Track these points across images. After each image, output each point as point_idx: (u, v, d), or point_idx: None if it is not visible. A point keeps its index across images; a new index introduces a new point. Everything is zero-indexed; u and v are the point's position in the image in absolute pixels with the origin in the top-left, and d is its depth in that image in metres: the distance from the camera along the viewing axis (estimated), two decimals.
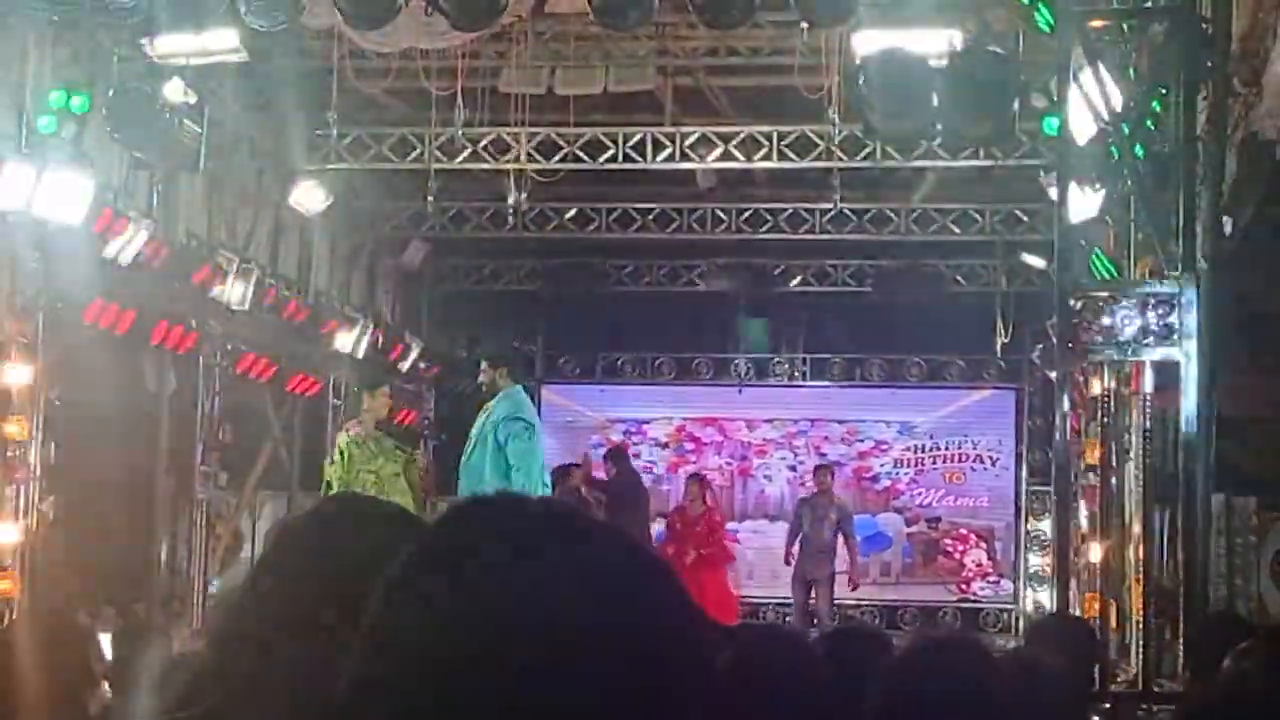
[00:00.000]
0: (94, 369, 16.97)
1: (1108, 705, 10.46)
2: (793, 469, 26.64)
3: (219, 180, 19.24)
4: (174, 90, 14.88)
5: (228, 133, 18.63)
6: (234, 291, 18.69)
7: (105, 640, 9.13)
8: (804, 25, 14.63)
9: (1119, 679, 13.00)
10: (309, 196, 19.62)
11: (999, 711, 3.91)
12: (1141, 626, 12.68)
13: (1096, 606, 14.93)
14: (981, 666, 4.03)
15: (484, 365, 14.95)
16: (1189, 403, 11.55)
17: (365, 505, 3.01)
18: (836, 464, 26.50)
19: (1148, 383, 12.25)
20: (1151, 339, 11.71)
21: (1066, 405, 12.39)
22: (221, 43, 14.65)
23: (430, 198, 19.91)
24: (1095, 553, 15.73)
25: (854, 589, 22.37)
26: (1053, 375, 13.79)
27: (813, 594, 21.60)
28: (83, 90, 15.14)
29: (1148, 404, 12.51)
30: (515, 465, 14.19)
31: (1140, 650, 12.52)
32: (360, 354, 22.51)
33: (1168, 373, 12.08)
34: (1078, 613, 17.11)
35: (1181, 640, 11.06)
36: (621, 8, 13.91)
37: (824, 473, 22.81)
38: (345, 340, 22.06)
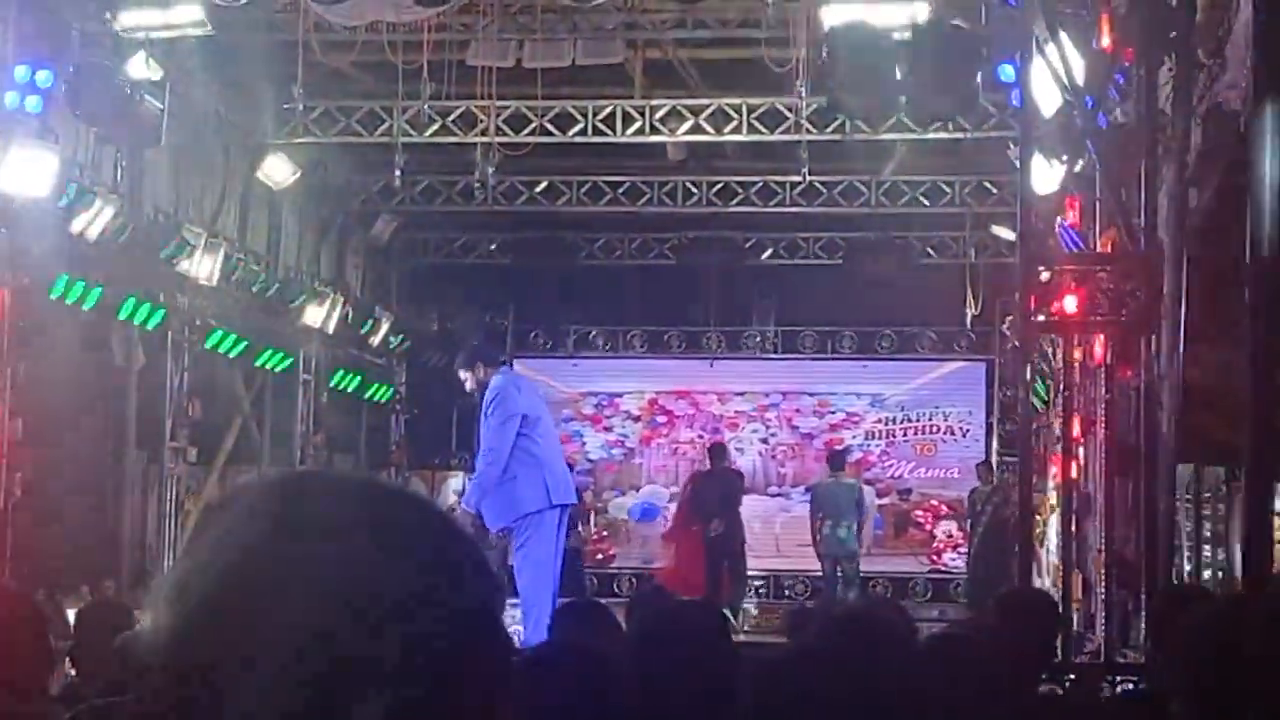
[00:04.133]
0: (61, 345, 16.92)
1: (1071, 677, 10.48)
2: (764, 441, 26.68)
3: (186, 155, 19.15)
4: (136, 66, 14.82)
5: (194, 107, 18.54)
6: (202, 266, 18.63)
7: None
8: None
9: (1086, 650, 13.06)
10: (277, 170, 19.55)
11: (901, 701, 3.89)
12: (1105, 599, 12.72)
13: (1061, 577, 14.95)
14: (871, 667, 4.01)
15: (463, 374, 14.84)
16: (1152, 374, 11.57)
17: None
18: (808, 436, 26.61)
19: (1111, 355, 12.26)
20: (1116, 311, 11.72)
21: (1030, 375, 12.39)
22: (185, 16, 14.62)
23: (398, 171, 19.84)
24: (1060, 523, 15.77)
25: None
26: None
27: (839, 568, 21.86)
28: (48, 65, 15.06)
29: (1112, 376, 12.53)
30: (485, 452, 14.22)
31: (1104, 622, 12.57)
32: (330, 329, 22.47)
33: (1131, 344, 12.09)
34: (1046, 583, 17.20)
35: (1144, 612, 11.11)
36: None
37: (836, 457, 23.10)
38: (315, 315, 22.01)
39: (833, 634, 4.19)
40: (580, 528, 21.40)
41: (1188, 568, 19.18)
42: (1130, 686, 9.84)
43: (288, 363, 22.42)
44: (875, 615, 4.87)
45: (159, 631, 1.52)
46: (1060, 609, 11.29)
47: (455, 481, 25.46)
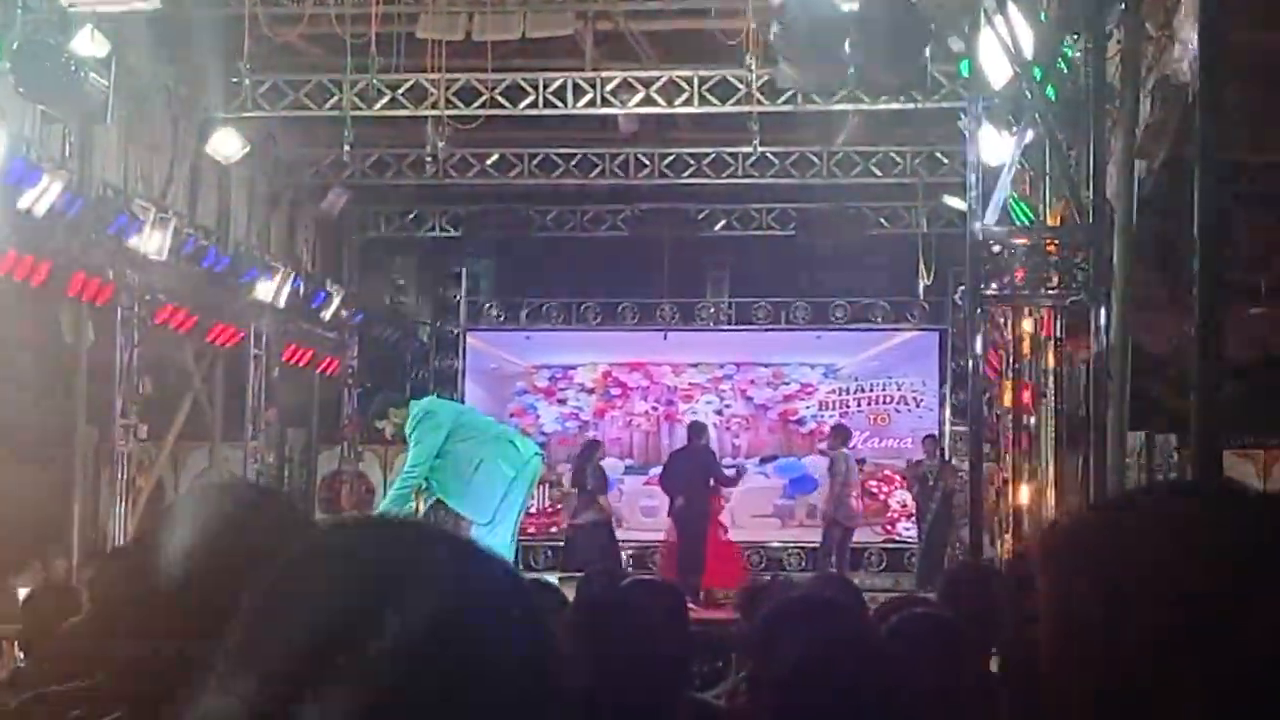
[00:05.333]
0: (9, 322, 16.82)
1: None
2: (719, 413, 26.69)
3: (134, 130, 19.02)
4: (82, 41, 14.70)
5: (142, 82, 18.42)
6: (151, 242, 18.52)
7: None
8: None
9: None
10: (226, 144, 19.43)
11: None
12: None
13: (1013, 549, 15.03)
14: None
15: (379, 425, 15.32)
16: (1099, 345, 11.62)
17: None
18: (763, 407, 26.67)
19: (1060, 327, 12.31)
20: (1065, 282, 11.77)
21: (980, 348, 12.43)
22: None
23: (348, 145, 19.75)
24: (1013, 495, 15.84)
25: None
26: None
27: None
28: None
29: (1061, 347, 12.58)
30: (405, 466, 14.75)
31: None
32: (281, 303, 22.39)
33: (1081, 315, 12.14)
34: (997, 553, 17.25)
35: None
36: None
37: (840, 433, 23.41)
38: (265, 289, 21.93)
39: (784, 620, 4.19)
40: (603, 499, 21.55)
41: None
42: None
43: (238, 338, 22.32)
44: (831, 601, 4.86)
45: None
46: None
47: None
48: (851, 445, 23.70)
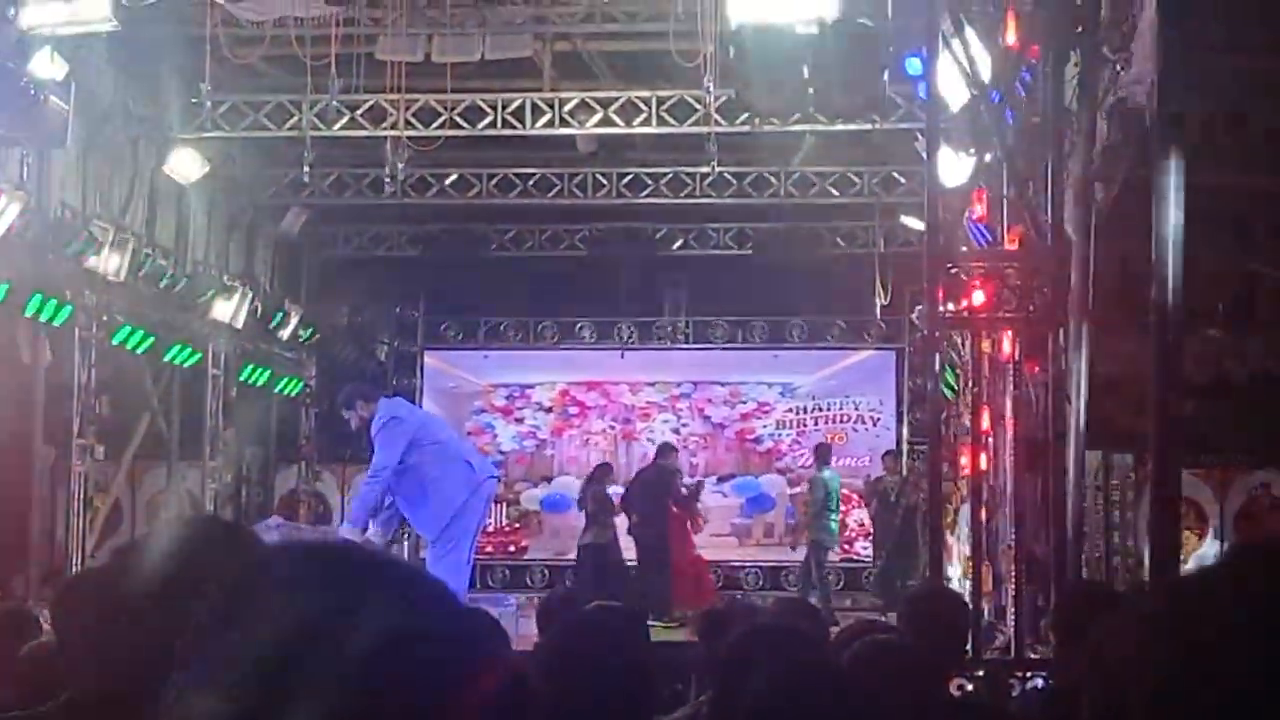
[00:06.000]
0: None
1: (980, 673, 10.58)
2: (676, 431, 26.71)
3: (93, 150, 18.98)
4: (41, 63, 14.64)
5: (101, 102, 18.38)
6: (109, 262, 18.48)
7: None
8: None
9: (996, 644, 13.18)
10: (185, 165, 19.40)
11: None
12: (1014, 594, 12.83)
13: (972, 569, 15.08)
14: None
15: (345, 414, 15.25)
16: (1059, 367, 11.69)
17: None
18: (720, 426, 26.71)
19: (1019, 349, 12.38)
20: (1023, 306, 11.83)
21: (938, 369, 12.49)
22: (92, 12, 14.42)
23: (308, 165, 19.74)
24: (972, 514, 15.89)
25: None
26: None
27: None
28: None
29: (1020, 370, 12.65)
30: (370, 471, 14.73)
31: (1014, 619, 12.67)
32: (239, 323, 22.35)
33: (1039, 338, 12.21)
34: (956, 572, 17.32)
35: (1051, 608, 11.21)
36: None
37: (823, 450, 23.54)
38: (224, 309, 21.88)
39: (749, 648, 4.22)
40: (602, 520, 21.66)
41: (1097, 555, 19.40)
42: (1040, 683, 9.93)
43: (196, 358, 22.27)
44: (794, 629, 4.90)
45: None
46: (970, 604, 11.38)
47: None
48: (808, 464, 23.85)
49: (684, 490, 22.33)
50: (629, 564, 21.62)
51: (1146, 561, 16.70)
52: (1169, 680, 1.61)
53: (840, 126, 18.73)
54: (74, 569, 18.67)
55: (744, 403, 26.98)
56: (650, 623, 18.55)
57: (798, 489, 25.81)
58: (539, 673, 5.04)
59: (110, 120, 19.13)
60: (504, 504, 25.72)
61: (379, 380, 14.99)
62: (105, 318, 19.40)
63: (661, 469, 22.08)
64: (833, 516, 22.34)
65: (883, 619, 10.85)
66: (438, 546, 14.48)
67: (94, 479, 19.97)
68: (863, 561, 24.92)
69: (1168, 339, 8.47)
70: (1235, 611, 1.61)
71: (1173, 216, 8.43)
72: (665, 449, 22.73)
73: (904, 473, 23.48)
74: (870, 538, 24.35)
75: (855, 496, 25.36)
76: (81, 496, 19.23)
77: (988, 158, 12.64)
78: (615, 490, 22.36)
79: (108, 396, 20.22)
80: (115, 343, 19.69)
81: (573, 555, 24.18)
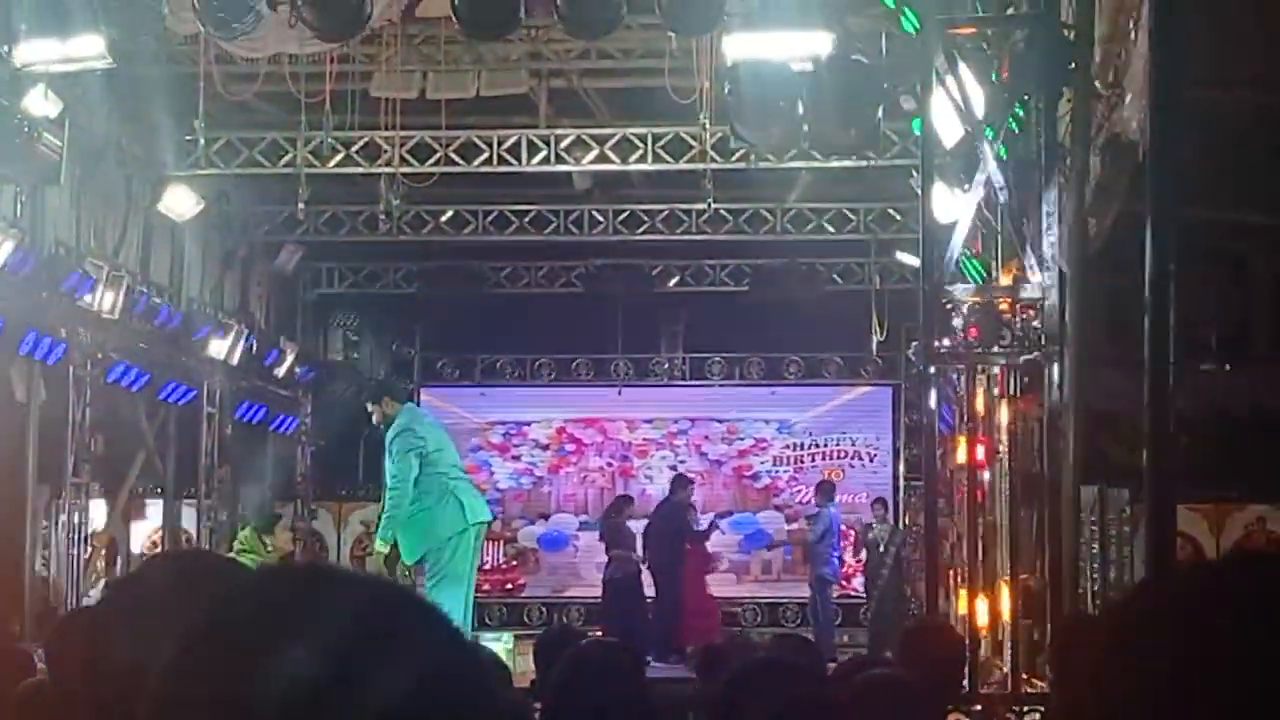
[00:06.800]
0: None
1: (978, 708, 10.55)
2: (674, 468, 26.65)
3: (87, 187, 18.96)
4: (35, 101, 14.64)
5: (95, 139, 18.38)
6: (104, 299, 18.47)
7: None
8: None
9: (992, 678, 13.12)
10: (179, 202, 19.40)
11: None
12: (1011, 628, 12.80)
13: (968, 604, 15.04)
14: None
15: (370, 408, 15.31)
16: (1054, 402, 11.68)
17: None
18: (717, 463, 26.69)
19: (1014, 384, 12.36)
20: (1018, 342, 11.83)
21: (934, 405, 12.47)
22: (86, 50, 14.41)
23: (302, 203, 19.72)
24: (967, 551, 15.86)
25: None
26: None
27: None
28: None
29: (1016, 404, 12.64)
30: (390, 483, 14.59)
31: (1011, 652, 12.63)
32: (235, 360, 22.33)
33: (1034, 374, 12.20)
34: (952, 606, 17.26)
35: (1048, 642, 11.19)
36: (487, 20, 13.83)
37: (826, 487, 23.79)
38: (219, 347, 21.86)
39: (748, 683, 4.20)
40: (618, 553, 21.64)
41: (1094, 589, 19.36)
42: (1037, 717, 9.91)
43: (191, 395, 22.24)
44: (793, 665, 4.88)
45: None
46: (966, 639, 11.34)
47: (362, 513, 25.39)
48: (805, 500, 23.88)
49: (696, 527, 22.35)
50: (649, 599, 21.67)
51: None
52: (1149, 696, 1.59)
53: (835, 163, 18.75)
54: (68, 607, 18.63)
55: (741, 439, 26.97)
56: (653, 662, 18.68)
57: (794, 525, 25.81)
58: (541, 709, 5.03)
59: (104, 157, 19.13)
60: (501, 541, 25.70)
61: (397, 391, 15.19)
62: (100, 355, 19.37)
63: (675, 505, 22.12)
64: (834, 553, 22.43)
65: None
66: (428, 580, 14.49)
67: (89, 517, 19.93)
68: (860, 598, 24.86)
69: (1161, 373, 8.45)
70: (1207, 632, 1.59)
71: (1165, 250, 8.42)
72: (678, 482, 22.78)
73: (893, 522, 23.53)
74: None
75: (852, 532, 25.30)
76: (77, 535, 19.19)
77: (981, 193, 12.62)
78: (633, 523, 22.39)
79: (102, 435, 20.21)
80: (110, 380, 19.66)
81: (570, 592, 24.22)
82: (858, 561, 24.83)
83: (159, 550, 22.19)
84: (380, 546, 14.54)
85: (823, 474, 26.08)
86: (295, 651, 1.49)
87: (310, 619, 1.52)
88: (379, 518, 15.37)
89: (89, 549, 19.98)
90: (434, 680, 1.51)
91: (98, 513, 20.77)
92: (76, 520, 19.20)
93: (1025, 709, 10.91)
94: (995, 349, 11.96)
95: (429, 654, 1.53)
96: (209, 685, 1.50)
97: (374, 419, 15.20)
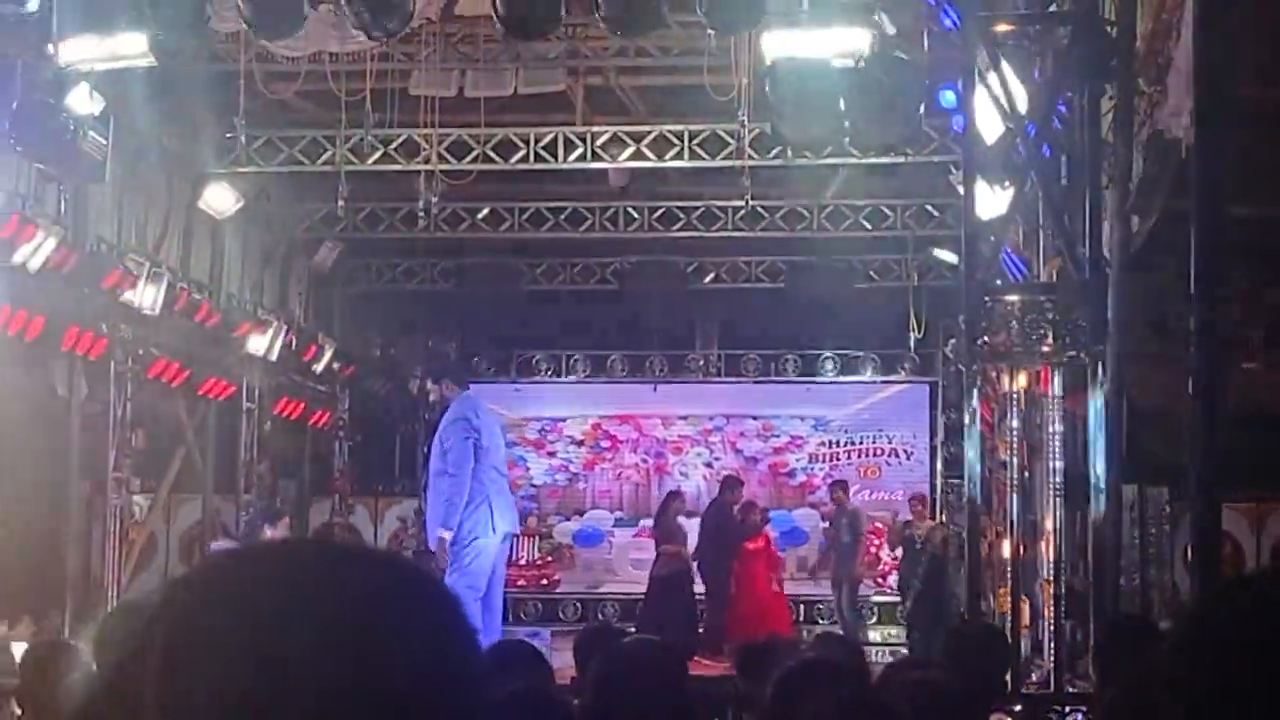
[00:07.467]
0: (3, 376, 16.81)
1: (1019, 708, 10.54)
2: (709, 465, 26.70)
3: (129, 185, 19.06)
4: (79, 99, 14.69)
5: (137, 137, 18.44)
6: (145, 296, 18.55)
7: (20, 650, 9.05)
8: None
9: (1033, 678, 13.12)
10: (220, 199, 19.51)
11: None
12: (1053, 628, 12.77)
13: (1009, 603, 15.03)
14: None
15: (430, 385, 15.38)
16: (1096, 404, 11.65)
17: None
18: (752, 460, 26.67)
19: (1057, 383, 12.33)
20: (1060, 339, 11.80)
21: (975, 403, 12.45)
22: (130, 48, 14.45)
23: (341, 200, 19.78)
24: (1008, 549, 15.85)
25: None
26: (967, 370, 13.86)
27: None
28: None
29: (1057, 404, 12.60)
30: (450, 469, 14.58)
31: (1052, 651, 12.61)
32: (274, 356, 22.42)
33: (1077, 372, 12.17)
34: (992, 604, 17.25)
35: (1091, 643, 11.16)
36: (528, 20, 13.83)
37: (838, 488, 23.68)
38: (258, 343, 21.95)
39: (795, 685, 4.23)
40: (669, 548, 21.72)
41: (1134, 586, 19.31)
42: (1079, 717, 9.89)
43: (231, 391, 22.33)
44: (840, 665, 4.90)
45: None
46: (1009, 639, 11.34)
47: (399, 508, 25.47)
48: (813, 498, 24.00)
49: (740, 520, 22.25)
50: (698, 597, 21.68)
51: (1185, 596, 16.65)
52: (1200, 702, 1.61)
53: (873, 160, 18.75)
54: (109, 603, 18.73)
55: (776, 436, 26.95)
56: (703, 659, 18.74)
57: (827, 524, 25.82)
58: (581, 705, 5.05)
59: (145, 155, 19.21)
60: (536, 537, 25.72)
61: (412, 412, 15.15)
62: (141, 351, 19.46)
63: (719, 505, 22.14)
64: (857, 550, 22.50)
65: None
66: (452, 571, 14.50)
67: (129, 512, 20.04)
68: (895, 596, 24.85)
69: (1207, 371, 8.44)
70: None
71: (1210, 247, 8.41)
72: (727, 484, 22.72)
73: (930, 519, 23.42)
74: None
75: (884, 528, 25.27)
76: (117, 530, 19.29)
77: (1024, 190, 12.60)
78: (682, 520, 22.36)
79: (143, 430, 20.30)
80: (150, 376, 19.75)
81: (605, 588, 24.25)
82: (893, 559, 24.81)
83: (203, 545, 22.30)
84: (444, 533, 14.57)
85: (859, 471, 26.07)
86: (300, 633, 1.51)
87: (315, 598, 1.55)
88: (415, 511, 15.46)
89: (129, 544, 20.07)
90: (421, 667, 1.53)
91: (138, 508, 20.86)
92: (117, 515, 19.29)
93: (1067, 709, 10.89)
94: (1038, 347, 11.92)
95: (421, 638, 1.55)
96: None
97: (431, 397, 15.29)
